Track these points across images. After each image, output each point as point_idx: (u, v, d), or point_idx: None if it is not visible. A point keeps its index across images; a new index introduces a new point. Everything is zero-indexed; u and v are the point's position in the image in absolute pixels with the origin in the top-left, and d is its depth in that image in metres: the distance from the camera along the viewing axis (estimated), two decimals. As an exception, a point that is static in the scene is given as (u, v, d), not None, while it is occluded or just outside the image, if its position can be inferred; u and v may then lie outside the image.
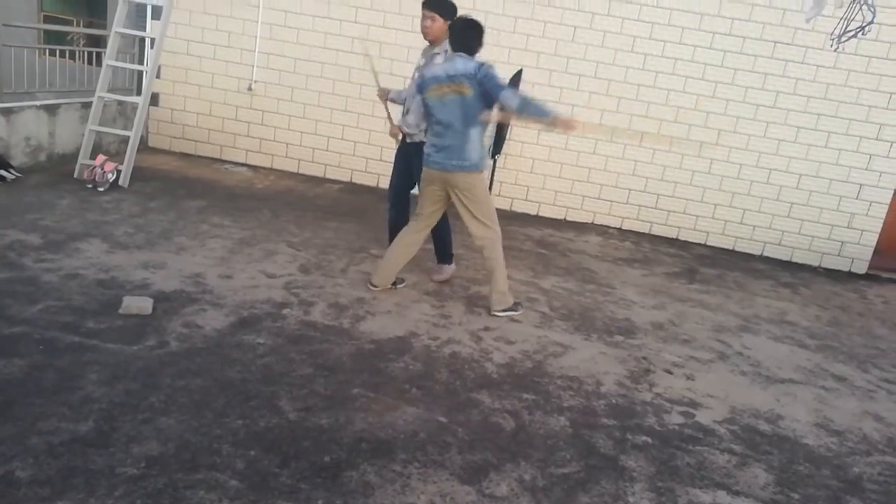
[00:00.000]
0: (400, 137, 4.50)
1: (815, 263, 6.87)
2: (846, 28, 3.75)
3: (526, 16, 6.62)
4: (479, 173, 4.05)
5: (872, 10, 3.57)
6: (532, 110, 3.82)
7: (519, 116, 3.97)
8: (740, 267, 6.37)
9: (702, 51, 6.54)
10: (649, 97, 6.70)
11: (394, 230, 4.57)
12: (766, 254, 6.93)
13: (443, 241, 4.71)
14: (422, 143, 4.27)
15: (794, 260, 6.89)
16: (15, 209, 4.75)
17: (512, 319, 4.19)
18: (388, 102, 4.70)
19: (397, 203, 4.64)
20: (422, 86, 4.05)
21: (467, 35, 3.94)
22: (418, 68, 4.32)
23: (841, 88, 6.45)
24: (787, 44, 6.37)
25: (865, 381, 4.14)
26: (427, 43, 4.34)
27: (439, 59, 4.15)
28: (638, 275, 5.61)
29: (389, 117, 4.71)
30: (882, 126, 6.49)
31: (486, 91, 3.83)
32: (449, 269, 4.75)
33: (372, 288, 4.28)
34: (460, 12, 4.16)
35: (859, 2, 3.57)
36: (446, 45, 4.16)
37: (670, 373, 3.82)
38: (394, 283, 4.37)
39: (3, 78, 6.06)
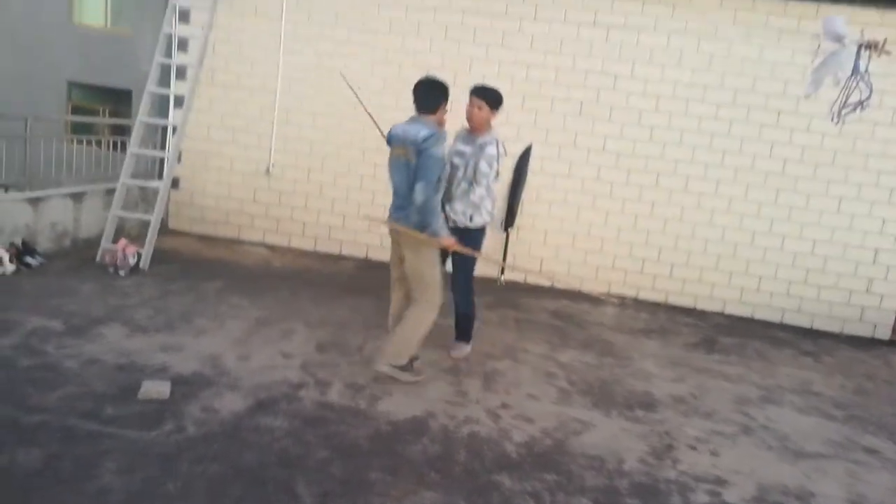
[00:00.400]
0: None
1: (837, 330, 6.76)
2: (845, 103, 3.85)
3: (546, 109, 6.82)
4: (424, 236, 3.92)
5: (869, 85, 3.66)
6: (423, 217, 3.81)
7: (417, 211, 3.85)
8: (760, 335, 6.29)
9: (708, 121, 6.68)
10: (658, 167, 6.80)
11: (457, 314, 4.71)
12: (785, 321, 6.85)
13: (466, 318, 4.71)
14: (470, 229, 4.35)
15: (815, 327, 6.79)
16: (39, 295, 4.85)
17: (394, 379, 4.02)
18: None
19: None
20: (388, 140, 4.04)
21: (429, 94, 3.92)
22: (450, 150, 4.37)
23: (848, 155, 6.52)
24: (792, 113, 6.50)
25: (897, 452, 4.01)
26: (465, 127, 4.46)
27: (489, 150, 4.26)
28: (656, 346, 5.55)
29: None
30: (892, 190, 6.52)
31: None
32: (466, 349, 4.74)
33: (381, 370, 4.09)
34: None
35: (856, 78, 3.67)
36: (496, 135, 4.34)
37: (694, 448, 3.74)
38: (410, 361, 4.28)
39: (31, 168, 6.30)
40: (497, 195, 4.55)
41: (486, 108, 4.35)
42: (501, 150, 4.39)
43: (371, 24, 6.95)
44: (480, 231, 4.48)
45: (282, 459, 3.04)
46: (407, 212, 3.92)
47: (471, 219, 4.39)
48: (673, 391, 4.56)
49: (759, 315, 6.89)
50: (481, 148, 4.33)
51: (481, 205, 4.38)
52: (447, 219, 4.32)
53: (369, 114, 4.89)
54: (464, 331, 4.75)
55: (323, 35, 7.06)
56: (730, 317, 6.83)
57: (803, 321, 6.82)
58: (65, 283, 5.20)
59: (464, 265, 4.55)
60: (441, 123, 3.98)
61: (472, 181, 4.35)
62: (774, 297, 6.87)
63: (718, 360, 5.37)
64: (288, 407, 3.58)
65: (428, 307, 4.02)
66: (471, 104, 4.37)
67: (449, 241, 3.97)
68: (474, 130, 4.42)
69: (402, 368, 4.08)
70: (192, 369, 3.90)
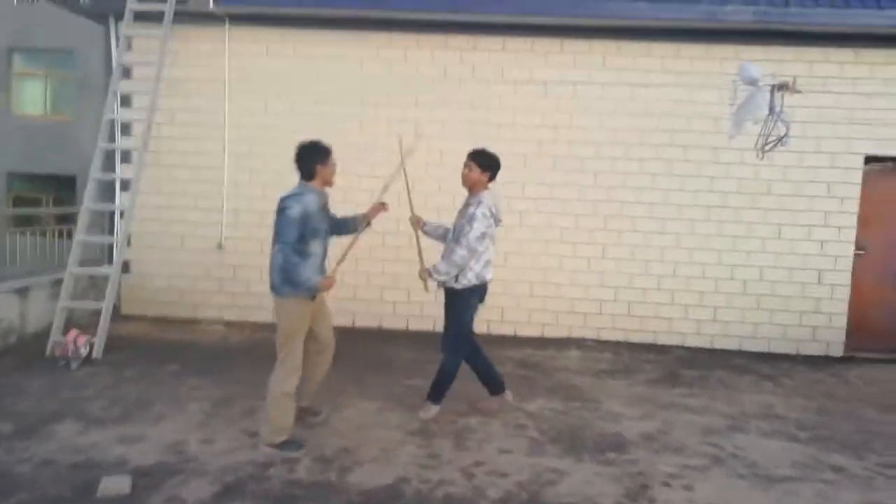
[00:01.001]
0: (430, 282, 4.47)
1: (793, 352, 6.94)
2: (767, 139, 4.08)
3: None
4: (279, 298, 3.94)
5: (787, 124, 3.90)
6: (286, 277, 3.84)
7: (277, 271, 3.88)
8: (720, 365, 6.41)
9: (649, 162, 6.94)
10: (605, 210, 7.00)
11: (478, 373, 4.75)
12: (743, 348, 7.00)
13: (443, 374, 4.59)
14: (456, 290, 4.42)
15: (772, 350, 6.96)
16: (-14, 396, 4.66)
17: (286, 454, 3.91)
18: (421, 234, 4.66)
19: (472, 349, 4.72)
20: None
21: (303, 160, 4.01)
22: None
23: (781, 184, 6.84)
24: (726, 148, 6.80)
25: (862, 468, 4.10)
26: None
27: (471, 210, 4.37)
28: (621, 386, 5.60)
29: (420, 253, 4.58)
30: (826, 213, 6.83)
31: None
32: (433, 409, 4.65)
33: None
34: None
35: (773, 117, 3.90)
36: (482, 196, 4.43)
37: (668, 485, 3.76)
38: (306, 409, 4.35)
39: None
40: (488, 256, 4.51)
41: (475, 168, 4.48)
42: (485, 210, 4.38)
43: (314, 93, 7.08)
44: (466, 291, 4.45)
45: (252, 545, 2.94)
46: (271, 275, 3.91)
47: (456, 279, 4.43)
48: (642, 429, 4.59)
49: (718, 344, 7.04)
50: (466, 207, 4.47)
51: (465, 266, 4.39)
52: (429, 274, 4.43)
53: (408, 188, 4.75)
54: (435, 389, 4.64)
55: (267, 109, 7.16)
56: (690, 349, 6.96)
57: (760, 346, 6.99)
58: (13, 382, 5.01)
59: (453, 320, 4.51)
60: (327, 184, 4.11)
61: (456, 240, 4.42)
62: (730, 326, 7.04)
63: (682, 394, 5.44)
64: (256, 488, 3.49)
65: (282, 371, 3.97)
66: (464, 165, 4.54)
67: (326, 281, 3.96)
68: (469, 191, 4.56)
69: (284, 445, 3.95)
70: (154, 459, 3.77)
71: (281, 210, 3.85)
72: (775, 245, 6.93)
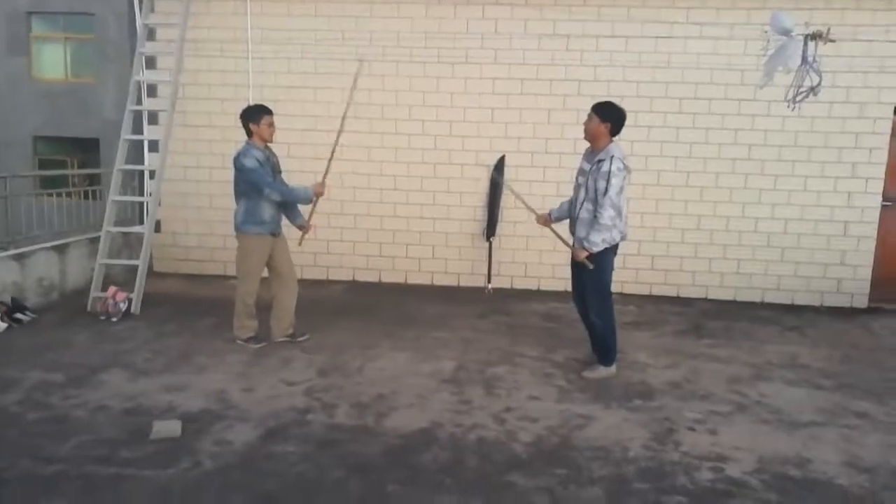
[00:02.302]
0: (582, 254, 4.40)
1: (817, 304, 6.98)
2: (798, 90, 4.05)
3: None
4: (242, 235, 4.96)
5: (819, 73, 3.87)
6: (286, 205, 5.12)
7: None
8: (744, 316, 6.47)
9: (673, 116, 6.90)
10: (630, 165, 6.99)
11: (590, 330, 4.74)
12: (767, 300, 7.05)
13: (602, 340, 4.64)
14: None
15: (796, 302, 7.00)
16: (35, 350, 4.86)
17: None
18: (554, 225, 4.81)
19: (584, 314, 4.73)
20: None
21: (241, 119, 4.96)
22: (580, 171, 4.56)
23: (808, 135, 6.77)
24: (751, 100, 6.73)
25: (885, 413, 4.18)
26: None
27: (605, 167, 4.25)
28: (647, 337, 5.70)
29: (563, 241, 4.76)
30: (854, 164, 6.78)
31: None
32: (602, 370, 4.65)
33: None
34: None
35: (806, 67, 3.87)
36: (612, 150, 4.34)
37: (693, 430, 3.87)
38: (292, 335, 5.19)
39: (12, 226, 6.30)
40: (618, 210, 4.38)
41: (594, 118, 4.40)
42: (618, 164, 4.29)
43: (336, 53, 7.09)
44: (606, 250, 4.42)
45: (300, 483, 3.11)
46: (235, 218, 5.09)
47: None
48: (668, 378, 4.70)
49: (742, 297, 7.09)
50: (598, 163, 4.34)
51: (613, 225, 4.33)
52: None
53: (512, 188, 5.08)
54: (600, 352, 4.70)
55: (290, 68, 7.18)
56: (714, 301, 7.01)
57: (784, 298, 7.03)
58: (58, 336, 5.22)
59: (595, 280, 4.47)
60: (265, 140, 4.97)
61: (593, 201, 4.35)
62: (754, 279, 7.07)
63: (708, 345, 5.53)
64: (299, 432, 3.66)
65: (243, 291, 5.03)
66: (588, 117, 4.46)
67: (318, 187, 5.02)
68: (591, 143, 4.50)
69: (249, 339, 5.06)
70: (200, 406, 3.95)
71: (240, 167, 4.81)
72: (801, 197, 6.90)
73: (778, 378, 4.79)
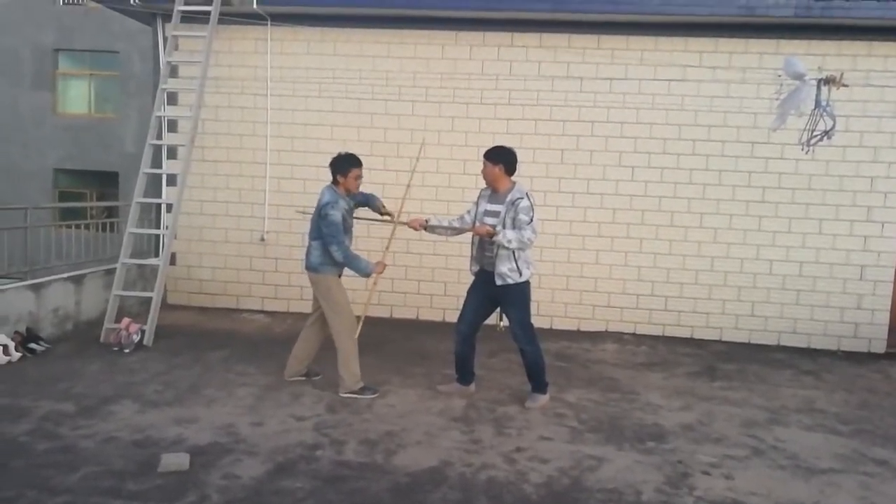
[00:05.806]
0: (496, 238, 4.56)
1: (834, 347, 6.88)
2: (812, 133, 4.08)
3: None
4: (319, 276, 4.82)
5: (833, 117, 3.89)
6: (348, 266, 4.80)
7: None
8: (759, 359, 6.39)
9: (686, 157, 6.93)
10: (642, 205, 7.02)
11: (462, 363, 4.92)
12: (782, 343, 6.96)
13: (535, 366, 4.83)
14: (520, 283, 4.63)
15: (812, 346, 6.91)
16: (47, 380, 4.88)
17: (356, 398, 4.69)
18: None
19: (469, 337, 4.86)
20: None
21: (330, 167, 4.82)
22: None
23: (823, 178, 6.78)
24: (764, 143, 6.76)
25: (906, 461, 4.09)
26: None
27: (524, 202, 4.54)
28: (659, 378, 5.63)
29: (455, 229, 5.01)
30: (870, 208, 6.75)
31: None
32: (541, 399, 4.83)
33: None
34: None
35: (819, 111, 3.90)
36: (524, 188, 4.66)
37: (708, 474, 3.80)
38: (306, 375, 5.09)
39: (30, 256, 6.38)
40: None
41: (486, 164, 4.68)
42: (533, 201, 4.63)
43: (353, 92, 7.22)
44: (527, 283, 4.71)
45: (307, 519, 3.07)
46: (309, 258, 4.86)
47: (520, 273, 4.60)
48: (681, 420, 4.63)
49: (756, 339, 7.01)
50: (512, 202, 4.56)
51: (528, 247, 4.60)
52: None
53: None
54: (535, 380, 4.87)
55: (308, 106, 7.31)
56: (728, 343, 6.93)
57: (800, 342, 6.94)
58: (71, 366, 5.24)
59: (520, 311, 4.72)
60: (348, 191, 4.82)
61: (517, 227, 4.54)
62: (769, 321, 7.00)
63: (722, 387, 5.45)
64: (307, 468, 3.62)
65: (342, 329, 4.82)
66: (483, 166, 4.73)
67: (379, 266, 4.81)
68: (493, 187, 4.73)
69: (363, 390, 4.81)
70: (208, 439, 3.94)
71: (324, 215, 4.66)
72: (816, 240, 6.87)
73: (794, 422, 4.70)
